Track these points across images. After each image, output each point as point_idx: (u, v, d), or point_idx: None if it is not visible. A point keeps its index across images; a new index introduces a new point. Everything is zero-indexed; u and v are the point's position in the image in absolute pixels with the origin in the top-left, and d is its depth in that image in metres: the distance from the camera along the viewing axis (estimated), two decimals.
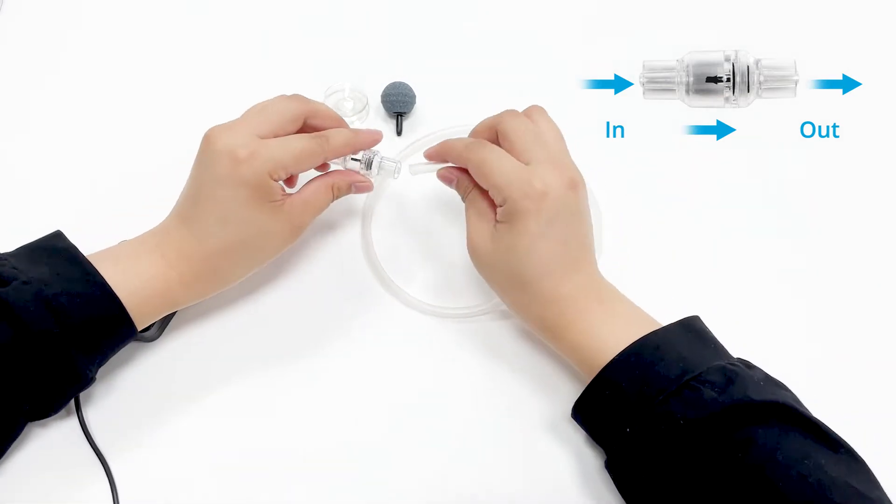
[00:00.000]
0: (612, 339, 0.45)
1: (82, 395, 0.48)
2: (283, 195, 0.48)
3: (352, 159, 0.53)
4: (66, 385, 0.45)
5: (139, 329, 0.46)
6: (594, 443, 0.48)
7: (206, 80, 0.67)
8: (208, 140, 0.47)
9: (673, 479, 0.42)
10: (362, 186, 0.53)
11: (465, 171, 0.50)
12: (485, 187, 0.48)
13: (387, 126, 0.64)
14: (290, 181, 0.53)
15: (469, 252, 0.50)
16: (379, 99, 0.64)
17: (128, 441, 0.49)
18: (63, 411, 0.48)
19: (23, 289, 0.42)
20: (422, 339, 0.54)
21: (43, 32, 0.69)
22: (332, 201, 0.51)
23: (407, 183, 0.57)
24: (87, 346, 0.44)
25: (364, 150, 0.52)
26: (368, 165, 0.53)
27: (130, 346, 0.50)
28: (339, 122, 0.52)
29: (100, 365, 0.46)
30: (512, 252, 0.46)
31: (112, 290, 0.44)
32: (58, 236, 0.46)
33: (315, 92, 0.63)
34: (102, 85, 0.67)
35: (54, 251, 0.45)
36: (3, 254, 0.46)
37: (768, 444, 0.40)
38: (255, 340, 0.53)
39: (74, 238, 0.47)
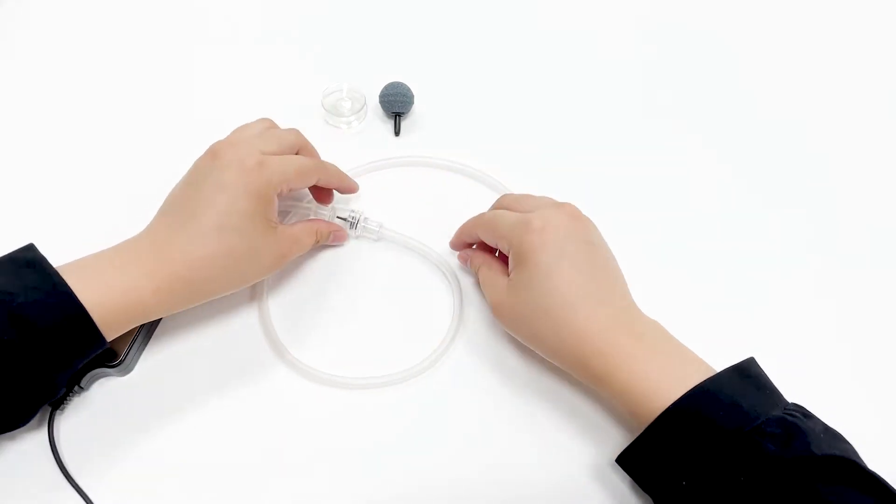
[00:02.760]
0: (664, 385, 0.42)
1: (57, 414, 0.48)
2: (276, 220, 0.49)
3: (338, 217, 0.56)
4: (32, 396, 0.43)
5: (108, 340, 0.44)
6: (638, 489, 0.45)
7: (205, 80, 0.66)
8: (215, 153, 0.47)
9: None
10: (339, 235, 0.55)
11: (476, 249, 0.54)
12: (493, 243, 0.49)
13: (385, 126, 0.63)
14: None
15: (494, 313, 0.49)
16: (377, 99, 0.63)
17: (100, 462, 0.47)
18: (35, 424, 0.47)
19: None
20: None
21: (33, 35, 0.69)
22: (313, 245, 0.53)
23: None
24: (53, 357, 0.42)
25: (345, 191, 0.56)
26: (354, 225, 0.55)
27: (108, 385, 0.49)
28: (323, 162, 0.54)
29: (68, 375, 0.44)
30: (531, 293, 0.45)
31: (78, 300, 0.42)
32: (29, 248, 0.45)
33: (314, 92, 0.63)
34: (100, 85, 0.66)
35: (23, 262, 0.43)
36: None
37: (831, 501, 0.38)
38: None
39: (61, 247, 0.46)
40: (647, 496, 0.45)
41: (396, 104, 0.62)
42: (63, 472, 0.46)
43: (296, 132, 0.52)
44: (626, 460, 0.44)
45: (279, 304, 0.54)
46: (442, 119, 0.64)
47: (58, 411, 0.47)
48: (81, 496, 0.45)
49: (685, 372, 0.42)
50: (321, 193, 0.56)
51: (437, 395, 0.50)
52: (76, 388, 0.48)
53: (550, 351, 0.46)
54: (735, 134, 0.65)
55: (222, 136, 0.62)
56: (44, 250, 0.44)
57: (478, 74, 0.67)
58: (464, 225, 0.53)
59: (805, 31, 0.72)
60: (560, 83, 0.67)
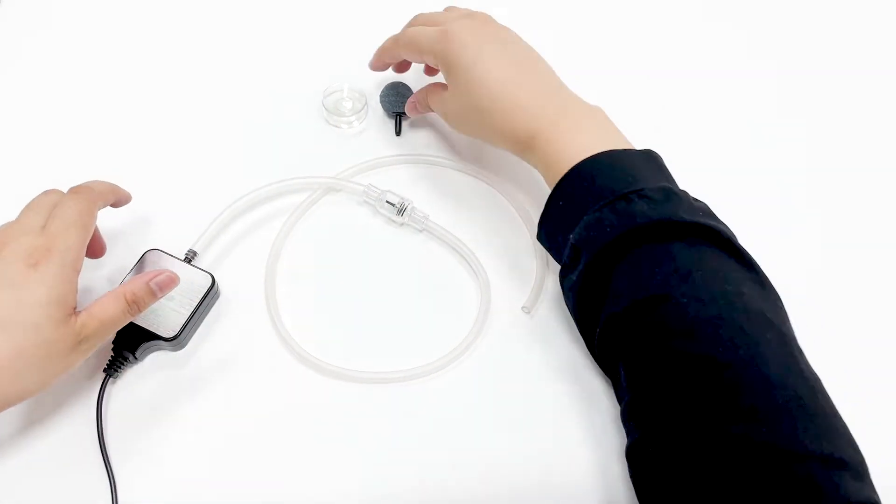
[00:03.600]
0: (575, 151, 0.46)
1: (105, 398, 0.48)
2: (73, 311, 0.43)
3: (387, 202, 0.56)
4: None
5: None
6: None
7: (205, 80, 0.67)
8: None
9: (594, 289, 0.43)
10: (162, 281, 0.47)
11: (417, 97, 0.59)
12: (418, 60, 0.55)
13: (386, 125, 0.64)
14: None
15: (444, 120, 0.56)
16: (377, 99, 0.64)
17: (136, 450, 0.48)
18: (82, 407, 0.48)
19: None
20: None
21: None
22: (132, 314, 0.45)
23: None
24: None
25: (119, 203, 0.51)
26: (401, 212, 0.56)
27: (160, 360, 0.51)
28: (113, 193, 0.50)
29: None
30: (465, 89, 0.50)
31: None
32: None
33: (314, 92, 0.63)
34: (100, 85, 0.66)
35: None
36: None
37: (686, 262, 0.40)
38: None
39: None
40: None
41: (397, 104, 0.62)
42: (99, 436, 0.47)
43: (48, 192, 0.47)
44: (542, 226, 0.49)
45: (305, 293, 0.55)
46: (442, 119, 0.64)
47: (110, 378, 0.49)
48: (105, 463, 0.47)
49: (600, 144, 0.46)
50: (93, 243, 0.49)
51: (461, 389, 0.51)
52: (131, 357, 0.50)
53: (490, 136, 0.52)
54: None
55: (222, 136, 0.61)
56: None
57: None
58: (382, 46, 0.58)
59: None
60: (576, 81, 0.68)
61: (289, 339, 0.52)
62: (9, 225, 0.44)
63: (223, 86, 0.66)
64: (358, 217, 0.58)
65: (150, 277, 0.46)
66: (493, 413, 0.50)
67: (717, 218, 0.44)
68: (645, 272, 0.41)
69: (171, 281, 0.47)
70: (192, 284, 0.51)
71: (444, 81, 0.54)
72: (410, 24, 0.57)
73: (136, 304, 0.45)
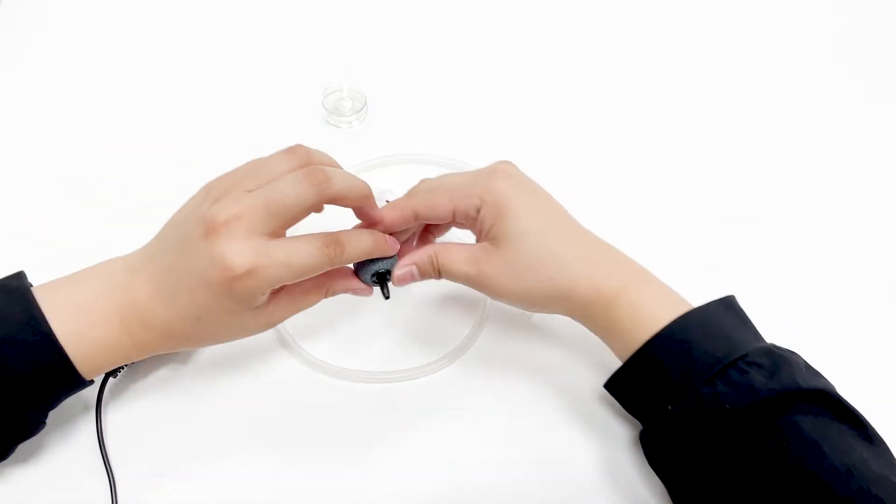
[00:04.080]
0: (651, 315, 0.43)
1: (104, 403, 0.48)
2: (264, 298, 0.43)
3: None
4: (4, 434, 0.43)
5: (87, 379, 0.43)
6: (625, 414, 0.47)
7: (205, 79, 0.67)
8: (207, 227, 0.40)
9: (711, 458, 0.41)
10: (361, 292, 0.47)
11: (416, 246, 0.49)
12: (446, 211, 0.45)
13: (387, 125, 0.64)
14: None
15: (477, 286, 0.46)
16: (377, 99, 0.63)
17: (136, 451, 0.48)
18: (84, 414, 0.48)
19: None
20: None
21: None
22: (325, 297, 0.46)
23: None
24: (28, 396, 0.41)
25: (383, 258, 0.46)
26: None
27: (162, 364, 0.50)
28: (364, 198, 0.44)
29: (45, 413, 0.43)
30: (519, 243, 0.44)
31: (58, 343, 0.40)
32: (17, 276, 0.43)
33: (314, 92, 0.63)
34: (99, 86, 0.66)
35: (7, 291, 0.42)
36: None
37: (814, 434, 0.39)
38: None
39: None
40: (651, 487, 0.47)
41: (374, 263, 0.47)
42: (99, 436, 0.47)
43: (319, 181, 0.41)
44: (615, 385, 0.46)
45: None
46: (444, 120, 0.64)
47: (110, 378, 0.49)
48: (105, 463, 0.47)
49: (671, 302, 0.44)
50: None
51: (460, 388, 0.51)
52: None
53: (542, 301, 0.46)
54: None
55: (222, 136, 0.61)
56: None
57: (478, 72, 0.68)
58: (393, 209, 0.46)
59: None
60: (569, 82, 0.69)
61: (288, 338, 0.51)
62: (226, 176, 0.43)
63: (223, 86, 0.66)
64: None
65: (354, 286, 0.46)
66: (492, 411, 0.50)
67: (818, 373, 0.43)
68: (772, 444, 0.40)
69: (366, 294, 0.47)
70: None
71: (448, 240, 0.48)
72: (415, 190, 0.48)
73: (327, 296, 0.46)
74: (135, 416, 0.49)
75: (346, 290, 0.46)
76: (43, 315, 0.40)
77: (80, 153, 0.61)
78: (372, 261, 0.45)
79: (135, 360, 0.45)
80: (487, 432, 0.49)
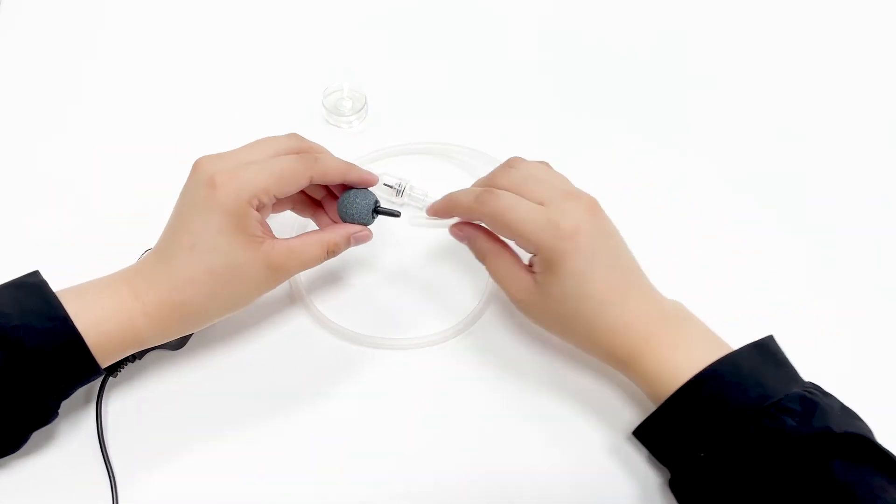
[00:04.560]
0: (685, 364, 0.43)
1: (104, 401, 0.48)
2: (264, 233, 0.45)
3: (385, 185, 0.55)
4: (22, 421, 0.43)
5: (103, 366, 0.44)
6: (655, 462, 0.47)
7: (205, 79, 0.67)
8: (194, 168, 0.45)
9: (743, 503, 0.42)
10: (361, 237, 0.49)
11: (476, 226, 0.50)
12: (508, 238, 0.47)
13: (387, 125, 0.65)
14: (278, 205, 0.50)
15: (518, 307, 0.49)
16: (377, 99, 0.63)
17: (136, 450, 0.48)
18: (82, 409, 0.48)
19: None
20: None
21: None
22: (327, 259, 0.48)
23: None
24: (44, 381, 0.42)
25: (356, 185, 0.49)
26: (400, 192, 0.55)
27: (160, 359, 0.50)
28: (315, 157, 0.47)
29: (60, 401, 0.44)
30: (564, 297, 0.45)
31: (73, 325, 0.41)
32: (33, 274, 0.45)
33: (314, 92, 0.63)
34: (98, 86, 0.66)
35: (23, 286, 0.44)
36: None
37: (847, 477, 0.39)
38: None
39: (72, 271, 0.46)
40: (662, 469, 0.47)
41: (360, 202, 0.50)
42: (99, 435, 0.47)
43: (291, 136, 0.48)
44: (644, 433, 0.46)
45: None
46: (445, 120, 0.65)
47: (110, 377, 0.49)
48: (106, 463, 0.47)
49: (706, 348, 0.44)
50: (315, 200, 0.52)
51: (462, 363, 0.52)
52: (131, 356, 0.49)
53: (579, 344, 0.48)
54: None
55: (223, 137, 0.61)
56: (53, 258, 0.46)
57: (479, 72, 0.69)
58: (458, 199, 0.49)
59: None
60: (570, 83, 0.69)
61: (288, 338, 0.52)
62: (236, 151, 0.46)
63: (223, 86, 0.66)
64: None
65: (352, 231, 0.49)
66: (498, 381, 0.51)
67: (854, 414, 0.43)
68: (805, 490, 0.40)
69: (367, 238, 0.49)
70: None
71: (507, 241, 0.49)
72: (489, 183, 0.48)
73: (332, 253, 0.48)
74: (135, 415, 0.49)
75: (345, 240, 0.48)
76: (59, 302, 0.42)
77: (80, 153, 0.61)
78: (355, 203, 0.49)
79: (147, 344, 0.45)
80: (497, 404, 0.50)
